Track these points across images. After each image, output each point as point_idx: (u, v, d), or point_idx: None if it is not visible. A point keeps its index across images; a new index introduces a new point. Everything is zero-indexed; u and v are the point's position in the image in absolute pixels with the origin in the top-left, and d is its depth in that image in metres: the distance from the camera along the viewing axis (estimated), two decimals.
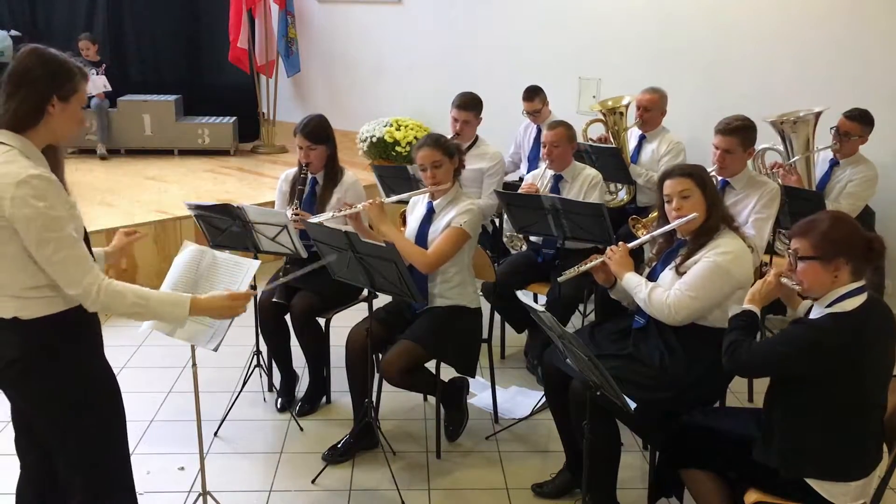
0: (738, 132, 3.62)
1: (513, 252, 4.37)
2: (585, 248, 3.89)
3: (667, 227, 2.97)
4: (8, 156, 2.04)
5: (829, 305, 2.35)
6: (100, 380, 2.30)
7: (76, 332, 2.22)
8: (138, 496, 3.16)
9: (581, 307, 4.30)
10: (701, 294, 2.79)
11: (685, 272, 2.85)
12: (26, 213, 2.00)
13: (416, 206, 3.59)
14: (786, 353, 2.37)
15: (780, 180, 4.35)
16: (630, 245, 3.08)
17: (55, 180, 2.08)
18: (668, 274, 2.92)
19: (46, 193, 2.02)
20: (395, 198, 3.76)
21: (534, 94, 5.33)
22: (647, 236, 3.12)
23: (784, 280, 2.54)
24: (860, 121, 4.37)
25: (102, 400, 2.30)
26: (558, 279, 3.22)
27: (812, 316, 2.43)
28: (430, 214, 3.46)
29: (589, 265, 3.06)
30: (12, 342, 2.13)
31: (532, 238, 4.33)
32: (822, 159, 4.56)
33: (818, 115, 4.45)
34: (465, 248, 3.39)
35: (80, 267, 2.09)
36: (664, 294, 2.84)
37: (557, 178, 4.20)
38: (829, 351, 2.29)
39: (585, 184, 4.17)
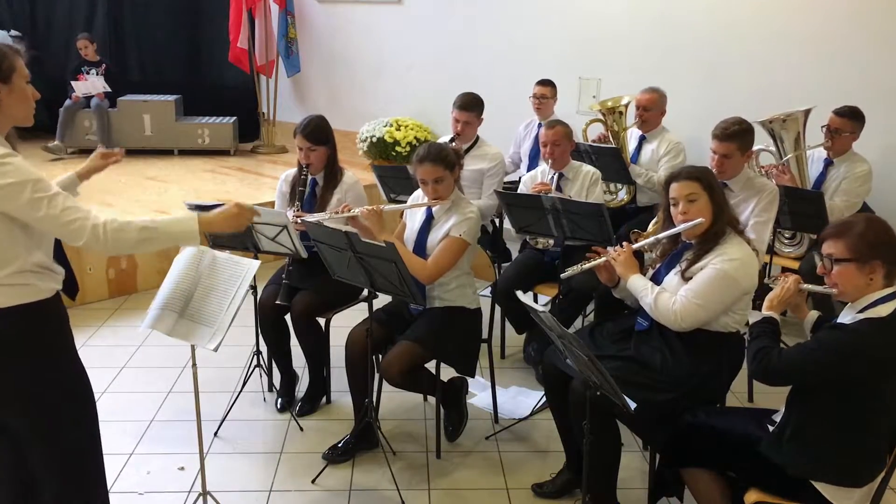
0: (736, 137, 3.61)
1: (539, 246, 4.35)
2: (589, 247, 3.88)
3: (672, 231, 2.95)
4: None
5: (862, 311, 2.32)
6: (75, 375, 2.27)
7: (51, 325, 2.20)
8: (138, 496, 3.20)
9: None
10: (707, 302, 2.78)
11: (691, 277, 2.84)
12: (9, 189, 2.02)
13: (415, 210, 3.56)
14: (825, 360, 2.30)
15: (773, 180, 4.35)
16: (634, 246, 3.07)
17: (21, 158, 2.10)
18: (673, 278, 2.91)
19: (19, 166, 2.04)
20: (393, 207, 3.72)
21: (548, 83, 5.42)
22: (652, 238, 3.10)
23: (804, 286, 2.53)
24: (850, 117, 4.37)
25: (78, 397, 2.28)
26: (560, 275, 3.22)
27: (844, 320, 2.37)
28: (428, 221, 3.45)
29: (592, 264, 3.06)
30: None
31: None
32: (816, 159, 4.57)
33: (807, 112, 4.46)
34: (465, 254, 3.38)
35: (79, 213, 2.09)
36: (670, 300, 2.83)
37: (559, 177, 4.20)
38: (865, 356, 2.25)
39: (587, 181, 4.17)
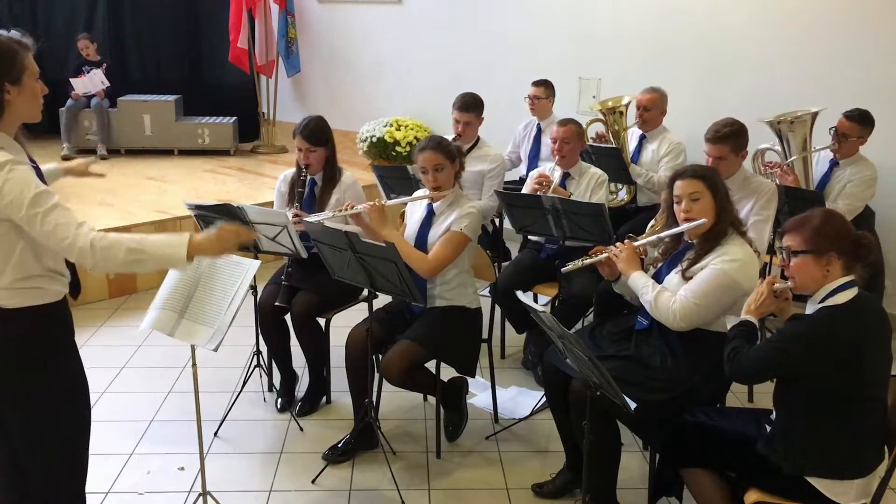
0: (728, 139, 3.60)
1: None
2: (587, 246, 3.88)
3: (675, 230, 2.96)
4: None
5: (823, 301, 2.37)
6: (76, 376, 2.29)
7: (57, 327, 2.22)
8: (138, 496, 3.20)
9: None
10: (706, 302, 2.78)
11: (691, 277, 2.84)
12: (9, 204, 2.01)
13: (416, 207, 3.58)
14: (784, 349, 2.37)
15: (777, 180, 4.34)
16: (636, 244, 3.06)
17: (28, 165, 2.09)
18: (673, 277, 2.91)
19: (20, 178, 2.02)
20: (395, 200, 3.74)
21: (542, 83, 5.40)
22: (654, 236, 3.10)
23: (776, 285, 2.56)
24: (859, 121, 4.35)
25: (79, 399, 2.29)
26: (562, 269, 3.22)
27: (807, 312, 2.43)
28: (429, 217, 3.45)
29: (593, 259, 3.06)
30: None
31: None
32: (822, 159, 4.55)
33: (815, 115, 4.44)
34: (465, 251, 3.38)
35: (69, 230, 2.05)
36: (670, 299, 2.83)
37: (565, 176, 4.20)
38: (827, 342, 2.30)
39: (592, 182, 4.17)
